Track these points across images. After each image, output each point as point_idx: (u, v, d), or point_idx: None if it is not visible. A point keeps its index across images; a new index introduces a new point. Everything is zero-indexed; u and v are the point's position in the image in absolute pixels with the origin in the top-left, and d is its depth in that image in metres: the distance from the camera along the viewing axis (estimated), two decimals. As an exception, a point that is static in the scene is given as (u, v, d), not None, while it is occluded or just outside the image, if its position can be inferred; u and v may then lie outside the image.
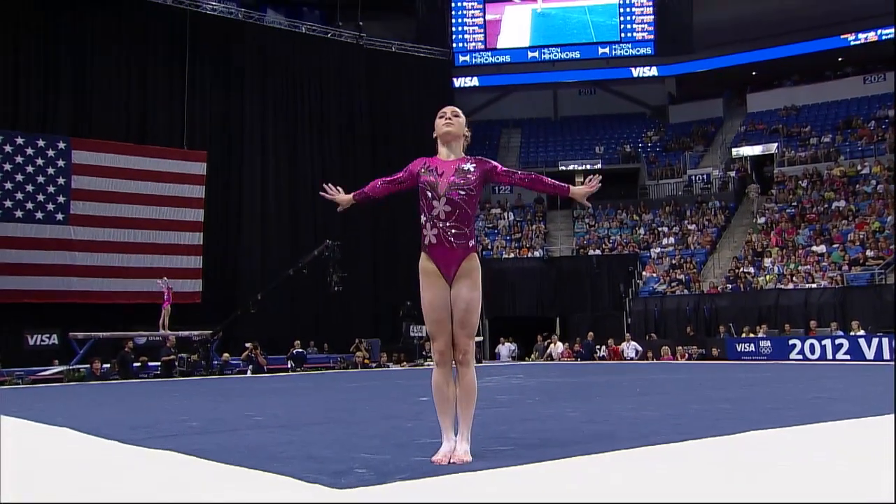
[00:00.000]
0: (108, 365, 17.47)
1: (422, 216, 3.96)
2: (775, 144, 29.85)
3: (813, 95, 31.61)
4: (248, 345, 19.23)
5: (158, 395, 10.50)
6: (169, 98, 23.26)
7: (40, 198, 20.48)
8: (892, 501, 2.47)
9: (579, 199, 4.31)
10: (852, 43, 30.23)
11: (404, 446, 4.26)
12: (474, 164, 4.02)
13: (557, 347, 22.46)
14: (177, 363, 17.85)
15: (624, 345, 21.53)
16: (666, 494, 2.86)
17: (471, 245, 3.92)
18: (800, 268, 22.51)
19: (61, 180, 20.73)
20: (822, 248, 23.22)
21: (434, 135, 4.19)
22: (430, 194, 3.94)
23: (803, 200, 26.36)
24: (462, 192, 3.90)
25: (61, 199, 20.71)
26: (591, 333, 22.95)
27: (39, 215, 20.42)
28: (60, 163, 20.73)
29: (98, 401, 9.72)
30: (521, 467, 3.45)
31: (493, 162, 4.10)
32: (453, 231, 3.86)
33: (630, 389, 9.01)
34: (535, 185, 4.31)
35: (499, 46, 33.68)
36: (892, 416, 4.48)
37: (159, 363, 18.20)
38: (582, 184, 4.32)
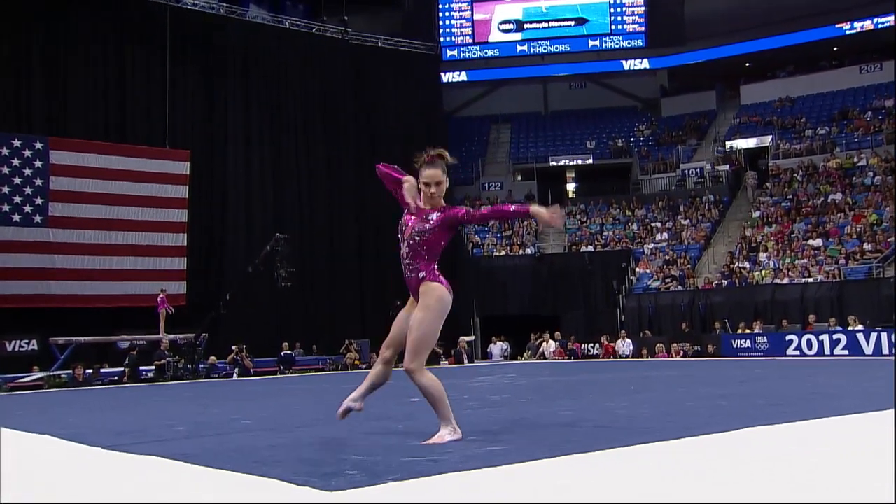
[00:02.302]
0: (91, 370, 17.39)
1: None
2: (770, 137, 30.02)
3: (808, 86, 31.80)
4: (234, 347, 19.19)
5: (143, 399, 10.48)
6: (149, 96, 23.17)
7: (17, 199, 20.36)
8: (893, 501, 2.50)
9: (541, 221, 4.69)
10: (848, 32, 30.42)
11: (395, 447, 4.28)
12: (439, 213, 4.73)
13: (550, 346, 22.50)
14: (169, 367, 17.76)
15: (619, 342, 21.60)
16: (660, 491, 2.89)
17: (422, 276, 4.66)
18: (796, 262, 22.64)
19: (39, 181, 20.62)
20: (818, 242, 23.36)
21: (419, 179, 4.86)
22: (399, 236, 4.79)
23: (798, 193, 26.51)
24: (418, 238, 4.67)
25: (39, 200, 20.60)
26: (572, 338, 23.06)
27: (17, 217, 20.30)
28: (38, 163, 20.62)
29: (80, 407, 9.69)
30: (514, 466, 3.47)
31: (458, 210, 4.85)
32: (409, 267, 4.70)
33: (624, 387, 9.06)
34: (500, 216, 5.16)
35: (488, 40, 33.73)
36: (893, 411, 4.52)
37: (153, 366, 18.11)
38: (550, 204, 4.64)
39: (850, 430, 4.57)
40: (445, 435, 4.44)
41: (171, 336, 19.07)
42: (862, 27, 30.08)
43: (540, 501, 2.80)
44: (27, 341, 19.10)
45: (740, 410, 5.95)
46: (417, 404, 7.22)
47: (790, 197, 26.53)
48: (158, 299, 19.54)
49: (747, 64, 33.26)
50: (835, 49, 31.79)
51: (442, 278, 4.77)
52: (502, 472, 3.37)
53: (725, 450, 3.92)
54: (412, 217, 4.76)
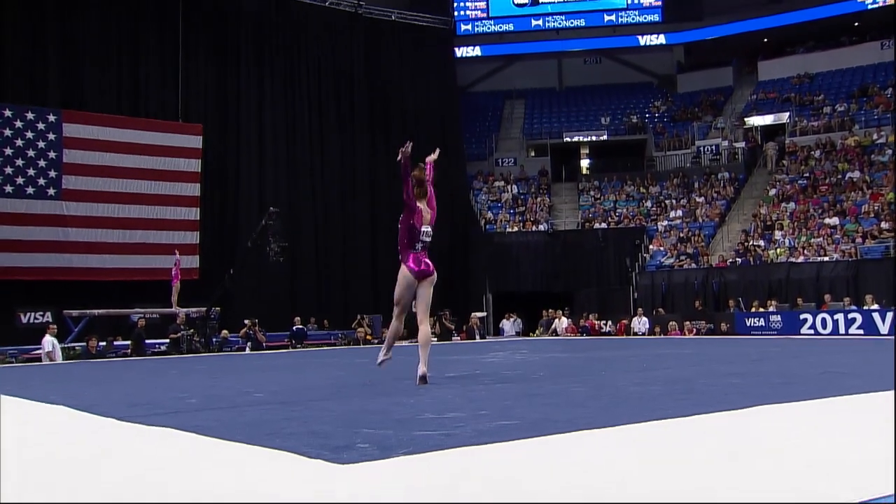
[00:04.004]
0: (104, 343, 17.55)
1: None
2: (787, 114, 29.71)
3: (827, 62, 31.36)
4: (246, 321, 19.30)
5: (156, 372, 10.56)
6: (162, 69, 23.15)
7: (31, 172, 20.44)
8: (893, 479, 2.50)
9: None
10: (870, 6, 29.96)
11: (407, 421, 4.30)
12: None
13: (562, 322, 22.52)
14: (183, 340, 17.87)
15: (635, 320, 21.58)
16: (671, 468, 2.89)
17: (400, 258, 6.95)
18: (812, 240, 22.49)
19: (52, 154, 20.70)
20: (834, 221, 23.18)
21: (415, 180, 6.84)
22: (423, 225, 6.97)
23: (816, 171, 26.28)
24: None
25: (53, 173, 20.69)
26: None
27: (30, 190, 20.40)
28: (51, 136, 20.68)
29: (94, 378, 9.78)
30: (525, 441, 3.48)
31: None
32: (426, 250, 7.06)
33: (636, 365, 9.05)
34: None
35: (502, 15, 33.46)
36: (893, 392, 4.48)
37: (167, 340, 18.22)
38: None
39: (863, 408, 4.56)
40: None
41: (185, 310, 19.18)
42: (884, 1, 29.59)
43: (551, 476, 2.81)
44: (41, 313, 19.24)
45: (753, 388, 5.94)
46: (429, 379, 7.29)
47: (807, 175, 26.30)
48: (174, 263, 19.43)
49: (765, 39, 32.87)
50: (856, 24, 31.30)
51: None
52: (514, 447, 3.38)
53: (737, 427, 3.91)
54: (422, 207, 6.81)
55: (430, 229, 6.94)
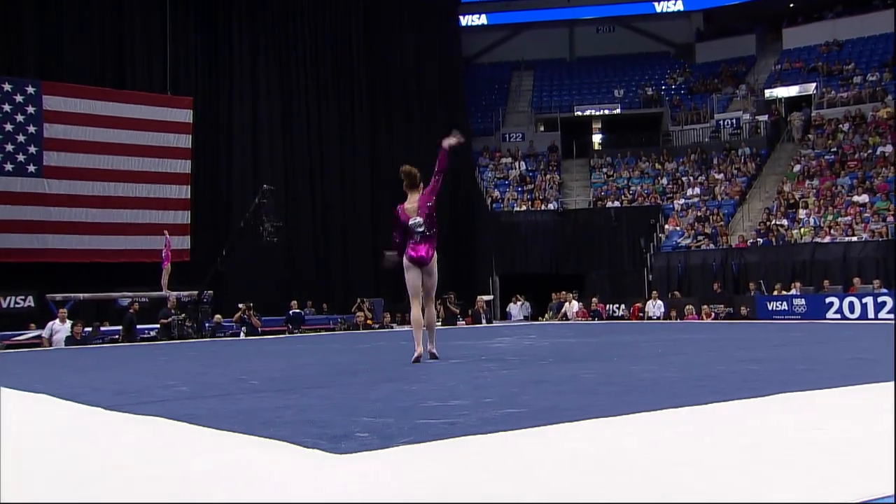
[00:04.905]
0: (90, 329, 17.60)
1: None
2: (814, 84, 29.55)
3: (857, 28, 31.08)
4: (241, 305, 19.33)
5: (145, 359, 10.59)
6: (149, 38, 23.09)
7: (9, 148, 20.45)
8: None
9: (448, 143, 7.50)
10: (903, -34, 29.65)
11: (409, 409, 4.30)
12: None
13: (573, 306, 22.54)
14: (174, 325, 17.90)
15: (650, 303, 21.60)
16: (686, 459, 2.89)
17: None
18: (839, 219, 22.42)
19: (32, 129, 20.68)
20: (864, 198, 23.10)
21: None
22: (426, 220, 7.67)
23: (844, 146, 26.16)
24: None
25: (33, 149, 20.68)
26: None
27: (9, 167, 20.42)
28: (30, 109, 20.66)
29: (80, 366, 9.81)
30: (532, 430, 3.48)
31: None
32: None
33: (651, 350, 9.06)
34: (440, 169, 7.69)
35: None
36: (893, 384, 4.44)
37: (157, 325, 18.25)
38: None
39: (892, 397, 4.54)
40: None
41: (176, 293, 19.19)
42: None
43: (558, 466, 2.81)
44: (23, 297, 19.34)
45: (774, 375, 5.93)
46: (432, 365, 7.30)
47: (834, 149, 26.19)
48: (164, 244, 19.34)
49: (791, 4, 32.64)
50: (888, -13, 31.07)
51: None
52: (520, 436, 3.38)
53: (756, 415, 3.91)
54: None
55: (419, 220, 7.59)
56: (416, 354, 7.51)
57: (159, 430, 3.94)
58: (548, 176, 29.50)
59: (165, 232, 20.03)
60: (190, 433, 3.80)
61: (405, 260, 7.65)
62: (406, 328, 11.62)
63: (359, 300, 22.00)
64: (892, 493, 2.27)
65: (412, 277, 7.69)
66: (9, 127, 20.44)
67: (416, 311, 7.69)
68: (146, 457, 3.29)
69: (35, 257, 20.41)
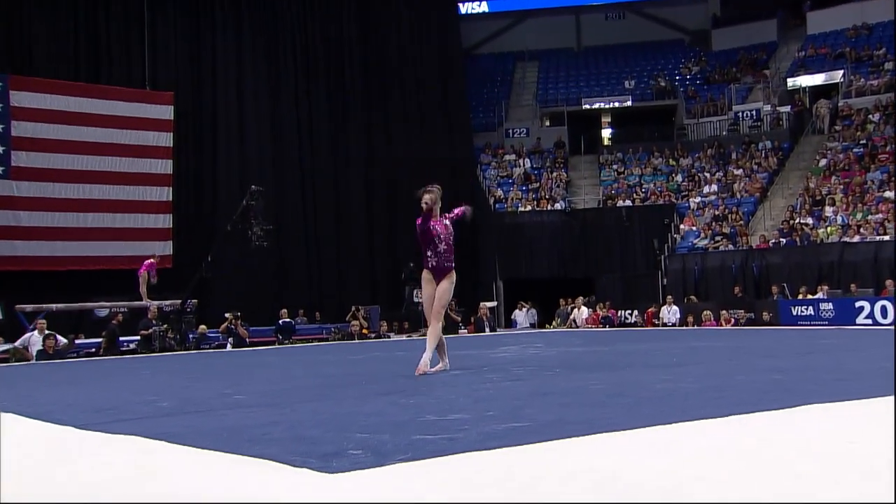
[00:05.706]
0: (66, 341, 17.55)
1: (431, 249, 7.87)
2: (841, 72, 29.51)
3: (888, 10, 30.87)
4: (227, 315, 19.30)
5: (124, 373, 10.59)
6: (126, 29, 23.08)
7: (-27, 148, 20.41)
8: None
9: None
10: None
11: (405, 424, 4.30)
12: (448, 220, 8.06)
13: (582, 312, 22.54)
14: (156, 337, 17.85)
15: (664, 309, 21.59)
16: (701, 478, 2.88)
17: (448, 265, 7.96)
18: (869, 217, 22.39)
19: (-1, 127, 20.64)
20: None
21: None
22: (435, 238, 7.81)
23: (874, 138, 26.11)
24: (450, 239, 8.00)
25: (-1, 149, 20.63)
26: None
27: (-26, 169, 20.40)
28: (-3, 105, 20.63)
29: (53, 381, 9.81)
30: (537, 445, 3.48)
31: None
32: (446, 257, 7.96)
33: (665, 359, 9.05)
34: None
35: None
36: (893, 397, 4.42)
37: (138, 336, 18.20)
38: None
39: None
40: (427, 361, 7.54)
41: (158, 302, 19.17)
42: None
43: (565, 484, 2.80)
44: (-10, 308, 19.26)
45: (799, 386, 5.92)
46: (430, 377, 7.29)
47: (863, 142, 26.14)
48: (146, 263, 19.33)
49: (815, -14, 32.61)
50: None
51: None
52: (524, 452, 3.37)
53: (778, 430, 3.90)
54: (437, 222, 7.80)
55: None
56: (438, 367, 7.88)
57: (136, 449, 3.93)
58: (554, 174, 29.49)
59: (154, 256, 19.82)
60: (169, 453, 3.78)
61: (425, 272, 7.94)
62: (403, 337, 11.62)
63: (354, 308, 21.96)
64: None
65: (430, 292, 7.94)
66: (-28, 125, 20.44)
67: (436, 326, 7.87)
68: (115, 478, 3.27)
69: (2, 265, 20.34)
